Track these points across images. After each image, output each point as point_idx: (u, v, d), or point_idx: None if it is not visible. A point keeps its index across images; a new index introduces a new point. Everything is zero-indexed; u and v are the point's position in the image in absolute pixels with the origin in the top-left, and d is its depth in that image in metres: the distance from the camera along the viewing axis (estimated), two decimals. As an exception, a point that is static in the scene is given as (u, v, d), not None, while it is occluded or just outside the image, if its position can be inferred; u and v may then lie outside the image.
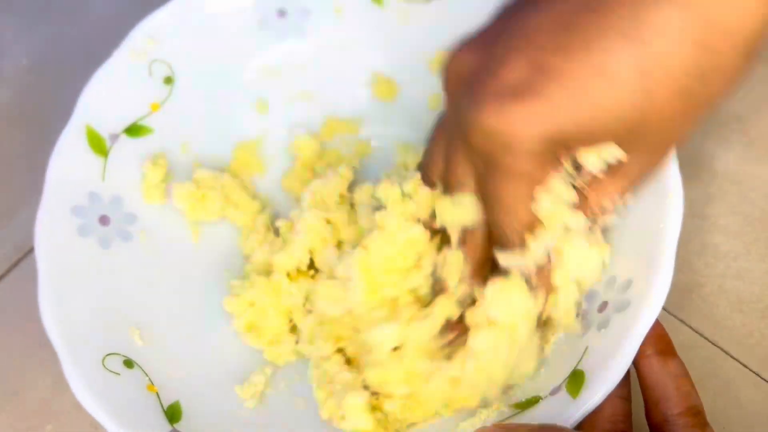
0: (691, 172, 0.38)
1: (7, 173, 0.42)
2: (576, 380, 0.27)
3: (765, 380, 0.33)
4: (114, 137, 0.35)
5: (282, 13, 0.37)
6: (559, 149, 0.26)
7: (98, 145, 0.35)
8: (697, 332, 0.34)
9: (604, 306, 0.29)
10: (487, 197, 0.27)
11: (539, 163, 0.26)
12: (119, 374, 0.30)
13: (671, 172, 0.29)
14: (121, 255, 0.34)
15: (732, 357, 0.33)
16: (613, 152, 0.26)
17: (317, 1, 0.38)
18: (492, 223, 0.28)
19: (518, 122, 0.24)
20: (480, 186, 0.28)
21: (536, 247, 0.28)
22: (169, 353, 0.32)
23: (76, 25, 0.46)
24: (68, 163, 0.34)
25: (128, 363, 0.31)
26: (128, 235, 0.35)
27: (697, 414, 0.27)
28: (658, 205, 0.29)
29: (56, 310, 0.31)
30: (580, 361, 0.28)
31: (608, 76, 0.23)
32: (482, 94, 0.25)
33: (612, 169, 0.27)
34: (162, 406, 0.30)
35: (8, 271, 0.39)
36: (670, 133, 0.25)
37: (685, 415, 0.27)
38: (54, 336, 0.30)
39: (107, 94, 0.35)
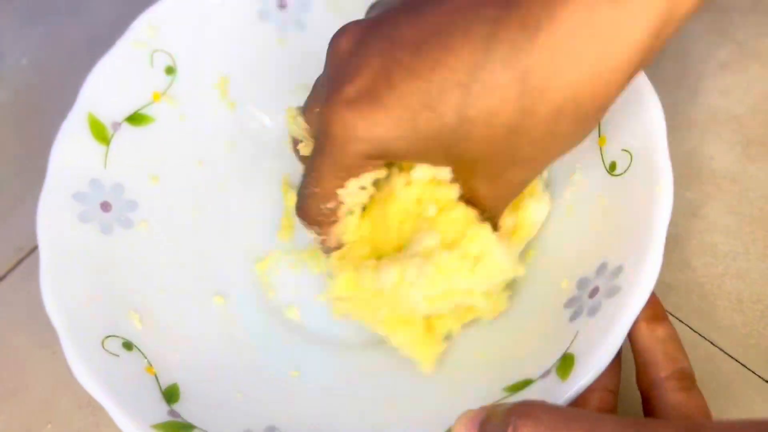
0: (690, 172, 0.38)
1: (6, 173, 0.42)
2: (566, 363, 0.28)
3: (765, 380, 0.33)
4: (116, 125, 0.36)
5: (282, 5, 0.38)
6: (386, 157, 0.28)
7: (100, 132, 0.35)
8: (696, 332, 0.34)
9: (595, 291, 0.30)
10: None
11: (359, 160, 0.28)
12: (118, 356, 0.31)
13: (661, 157, 0.30)
14: (122, 241, 0.35)
15: (732, 357, 0.33)
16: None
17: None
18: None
19: (349, 126, 0.27)
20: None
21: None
22: (168, 336, 0.33)
23: (76, 24, 0.47)
24: (70, 150, 0.34)
25: (127, 345, 0.31)
26: (129, 222, 0.35)
27: (683, 377, 0.27)
28: (649, 191, 0.29)
29: (57, 293, 0.31)
30: (570, 345, 0.29)
31: (434, 108, 0.25)
32: (334, 92, 0.27)
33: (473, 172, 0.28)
34: (160, 387, 0.31)
35: (9, 271, 0.39)
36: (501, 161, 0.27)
37: (671, 378, 0.27)
38: (54, 317, 0.30)
39: (109, 83, 0.35)
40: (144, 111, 0.37)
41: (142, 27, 0.36)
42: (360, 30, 0.28)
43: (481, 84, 0.25)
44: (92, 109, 0.35)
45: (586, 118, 0.25)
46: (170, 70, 0.37)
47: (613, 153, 0.32)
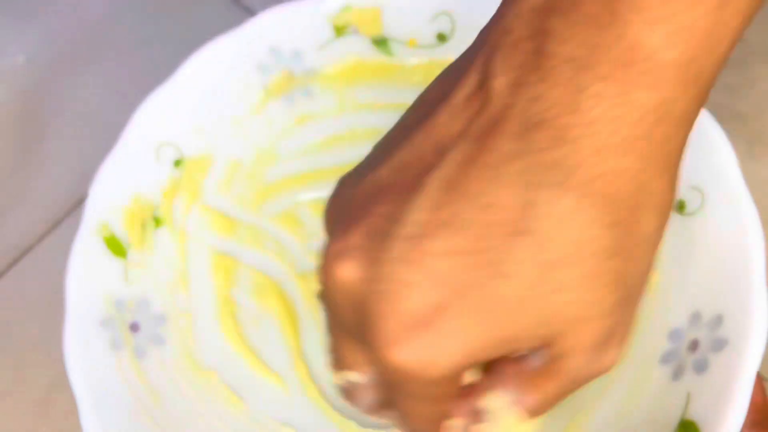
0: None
1: (3, 172, 0.41)
2: (688, 431, 0.26)
3: (766, 379, 0.32)
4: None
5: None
6: (479, 360, 0.22)
7: (116, 246, 0.32)
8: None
9: (695, 345, 0.28)
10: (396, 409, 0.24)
11: (453, 381, 0.22)
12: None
13: (741, 192, 0.28)
14: (158, 362, 0.31)
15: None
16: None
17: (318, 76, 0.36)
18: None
19: (430, 354, 0.21)
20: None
21: None
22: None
23: (73, 21, 0.45)
24: (87, 271, 0.31)
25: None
26: (160, 339, 0.32)
27: None
28: (735, 230, 0.28)
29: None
30: (686, 409, 0.27)
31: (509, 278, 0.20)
32: (384, 329, 0.21)
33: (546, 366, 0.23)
34: None
35: (6, 269, 0.38)
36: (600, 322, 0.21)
37: None
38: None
39: (117, 190, 0.32)
40: (157, 213, 0.33)
41: (142, 120, 0.33)
42: (354, 252, 0.21)
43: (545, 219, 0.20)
44: (103, 221, 0.31)
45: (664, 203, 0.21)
46: (179, 163, 0.34)
47: (679, 191, 0.30)
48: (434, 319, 0.20)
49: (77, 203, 0.31)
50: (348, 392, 0.25)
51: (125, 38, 0.43)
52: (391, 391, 0.23)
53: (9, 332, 0.37)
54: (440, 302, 0.20)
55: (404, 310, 0.20)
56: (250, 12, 0.44)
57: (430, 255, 0.20)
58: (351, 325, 0.22)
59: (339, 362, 0.25)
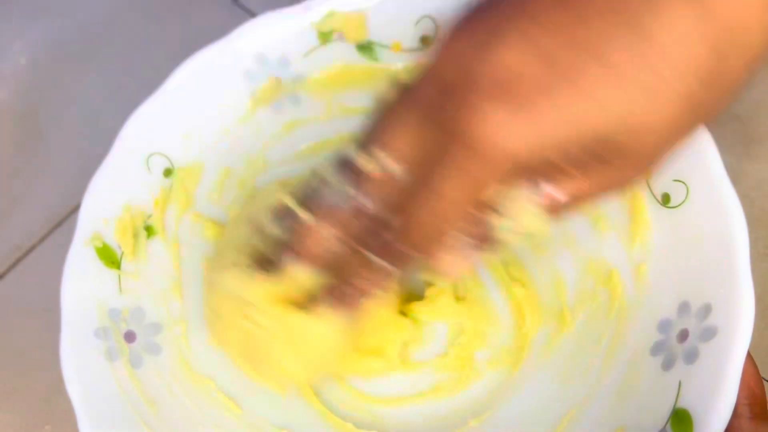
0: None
1: (4, 172, 0.42)
2: (681, 420, 0.26)
3: (765, 380, 0.32)
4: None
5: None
6: (548, 156, 0.22)
7: (109, 257, 0.32)
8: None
9: (684, 335, 0.28)
10: (421, 185, 0.24)
11: (506, 172, 0.22)
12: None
13: (724, 184, 0.29)
14: (154, 371, 0.31)
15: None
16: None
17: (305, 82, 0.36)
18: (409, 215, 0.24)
19: (513, 135, 0.21)
20: (417, 169, 0.24)
21: None
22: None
23: (74, 24, 0.46)
24: (81, 282, 0.31)
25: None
26: (156, 348, 0.32)
27: None
28: (720, 222, 0.28)
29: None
30: (677, 399, 0.27)
31: (618, 75, 0.21)
32: (473, 93, 0.21)
33: (589, 172, 0.24)
34: None
35: (7, 270, 0.39)
36: (665, 142, 0.24)
37: None
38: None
39: (109, 201, 0.32)
40: (149, 222, 0.33)
41: (131, 132, 0.33)
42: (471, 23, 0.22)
43: (661, 22, 0.21)
44: (96, 234, 0.32)
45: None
46: (169, 172, 0.34)
47: (663, 184, 0.31)
48: (536, 97, 0.20)
49: (77, 205, 0.31)
50: (370, 181, 0.25)
51: (125, 39, 0.44)
52: (436, 171, 0.23)
53: (9, 334, 0.37)
54: (547, 82, 0.20)
55: (505, 77, 0.21)
56: (250, 13, 0.44)
57: (539, 35, 0.21)
58: (431, 98, 0.22)
59: (384, 143, 0.24)
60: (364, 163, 0.25)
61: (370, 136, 0.25)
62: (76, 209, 0.39)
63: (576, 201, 0.25)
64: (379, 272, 0.26)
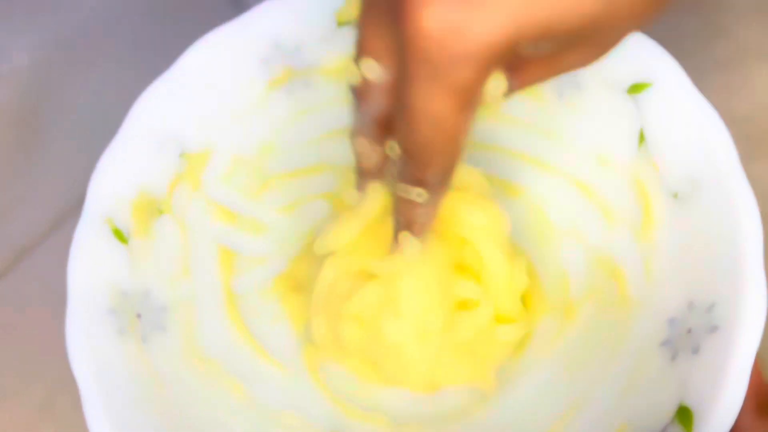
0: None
1: (4, 172, 0.42)
2: (684, 417, 0.27)
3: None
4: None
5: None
6: (512, 48, 0.20)
7: (118, 235, 0.32)
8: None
9: (690, 331, 0.28)
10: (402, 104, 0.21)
11: (481, 71, 0.19)
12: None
13: (739, 180, 0.29)
14: (161, 349, 0.32)
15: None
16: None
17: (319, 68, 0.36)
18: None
19: (474, 26, 0.18)
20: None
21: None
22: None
23: (75, 23, 0.45)
24: (89, 260, 0.31)
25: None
26: (163, 327, 0.32)
27: None
28: (731, 220, 0.28)
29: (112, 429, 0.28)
30: (682, 396, 0.27)
31: None
32: None
33: (547, 57, 0.22)
34: None
35: (7, 270, 0.39)
36: (624, 27, 0.22)
37: None
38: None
39: (118, 180, 0.32)
40: (160, 203, 0.33)
41: (142, 113, 0.33)
42: None
43: None
44: (105, 213, 0.32)
45: None
46: (180, 156, 0.34)
47: (676, 180, 0.31)
48: None
49: (79, 203, 0.31)
50: (360, 93, 0.23)
51: (126, 38, 0.44)
52: (406, 85, 0.20)
53: (11, 332, 0.37)
54: None
55: None
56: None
57: None
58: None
59: (361, 49, 0.22)
60: (353, 77, 0.23)
61: (354, 49, 0.23)
62: (77, 208, 0.39)
63: (527, 85, 0.23)
64: (411, 201, 0.25)
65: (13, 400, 0.36)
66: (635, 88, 0.32)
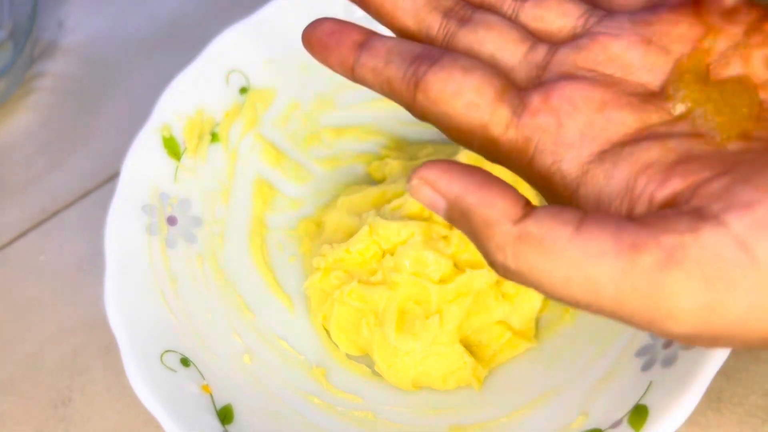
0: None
1: (51, 135, 0.44)
2: (639, 415, 0.27)
3: None
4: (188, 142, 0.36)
5: None
6: None
7: (173, 148, 0.35)
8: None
9: (669, 342, 0.28)
10: None
11: None
12: (176, 371, 0.30)
13: None
14: (184, 255, 0.35)
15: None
16: None
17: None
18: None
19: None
20: None
21: None
22: (224, 357, 0.32)
23: (145, 13, 0.48)
24: (142, 162, 0.34)
25: (185, 361, 0.31)
26: (193, 237, 0.35)
27: None
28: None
29: (121, 303, 0.31)
30: (643, 395, 0.27)
31: None
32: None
33: None
34: (215, 407, 0.30)
35: (28, 231, 0.41)
36: None
37: None
38: (117, 329, 0.30)
39: (185, 100, 0.36)
40: (216, 130, 0.37)
41: (217, 47, 0.37)
42: None
43: None
44: (167, 124, 0.35)
45: None
46: (244, 91, 0.37)
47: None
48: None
49: (108, 178, 0.34)
50: None
51: (193, 32, 0.44)
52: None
53: (23, 328, 0.38)
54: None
55: None
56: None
57: None
58: None
59: None
60: None
61: None
62: (106, 183, 0.42)
63: None
64: None
65: (23, 395, 0.37)
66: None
